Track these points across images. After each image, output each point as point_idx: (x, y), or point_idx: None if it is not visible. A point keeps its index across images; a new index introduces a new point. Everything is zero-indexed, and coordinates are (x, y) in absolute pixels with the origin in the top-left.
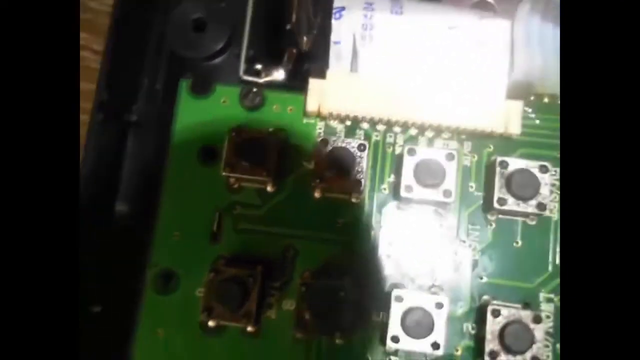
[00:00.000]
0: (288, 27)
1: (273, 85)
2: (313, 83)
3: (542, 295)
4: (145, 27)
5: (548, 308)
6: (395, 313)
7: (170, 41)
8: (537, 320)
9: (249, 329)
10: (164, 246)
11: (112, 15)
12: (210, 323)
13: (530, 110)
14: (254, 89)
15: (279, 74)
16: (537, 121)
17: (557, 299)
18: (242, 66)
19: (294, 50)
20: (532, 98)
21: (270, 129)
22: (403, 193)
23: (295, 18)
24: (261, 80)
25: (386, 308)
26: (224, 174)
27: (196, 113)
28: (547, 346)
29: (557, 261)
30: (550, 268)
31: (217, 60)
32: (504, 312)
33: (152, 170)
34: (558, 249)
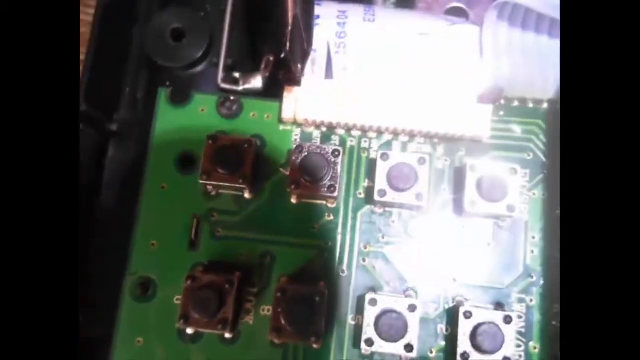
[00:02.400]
0: (282, 56)
1: (251, 93)
2: (288, 91)
3: (514, 296)
4: (126, 36)
5: (520, 308)
6: (369, 316)
7: (149, 51)
8: (508, 320)
9: (227, 335)
10: (142, 254)
11: (93, 25)
12: (188, 330)
13: (502, 113)
14: (232, 97)
15: (256, 82)
16: (507, 125)
17: (528, 298)
18: (221, 74)
19: (271, 58)
20: (502, 102)
21: (247, 136)
22: (376, 197)
23: (290, 47)
24: (239, 88)
25: (361, 311)
26: (200, 182)
27: (174, 121)
28: (519, 346)
29: (528, 261)
30: (521, 268)
31: (196, 69)
32: (476, 313)
33: (132, 179)
34: (529, 250)
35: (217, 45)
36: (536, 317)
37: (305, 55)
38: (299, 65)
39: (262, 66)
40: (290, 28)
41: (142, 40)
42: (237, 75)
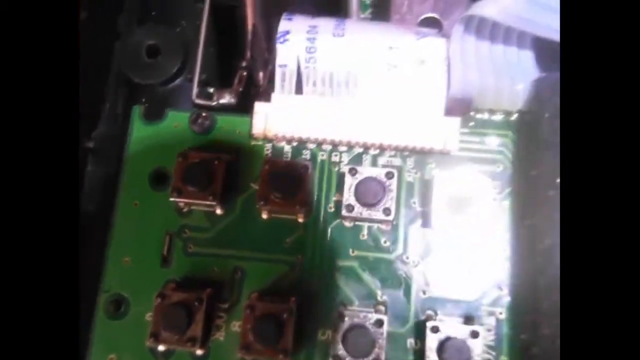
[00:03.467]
0: (243, 64)
1: (225, 108)
2: (258, 106)
3: (484, 309)
4: (106, 53)
5: (489, 321)
6: (338, 332)
7: (125, 68)
8: (475, 335)
9: (197, 352)
10: (115, 271)
11: None
12: (160, 347)
13: (471, 125)
14: (204, 114)
15: (230, 97)
16: (477, 137)
17: (498, 311)
18: (195, 90)
19: (245, 74)
20: (471, 114)
21: (217, 153)
22: (344, 212)
23: (250, 56)
24: (213, 103)
25: (331, 326)
26: (171, 199)
27: (148, 138)
28: None
29: (498, 274)
30: (491, 281)
31: (172, 85)
32: (443, 327)
33: (108, 196)
34: (498, 262)
35: (192, 60)
36: (505, 330)
37: (267, 63)
38: (261, 74)
39: (236, 81)
40: (250, 37)
41: (119, 54)
42: (211, 90)
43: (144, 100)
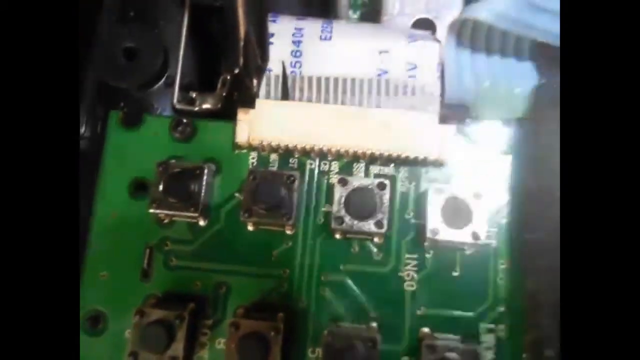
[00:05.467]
0: (236, 71)
1: (207, 114)
2: (241, 113)
3: (482, 326)
4: (85, 55)
5: (488, 339)
6: (327, 351)
7: (101, 71)
8: (474, 355)
9: None
10: (92, 285)
11: None
12: None
13: (467, 133)
14: (184, 120)
15: (213, 102)
16: (472, 144)
17: (498, 328)
18: (176, 94)
19: (228, 77)
20: (468, 121)
21: (199, 162)
22: (334, 225)
23: (243, 63)
24: (196, 109)
25: (321, 344)
26: (150, 211)
27: (126, 146)
28: None
29: (498, 291)
30: (490, 298)
31: (151, 89)
32: (440, 346)
33: (85, 205)
34: (498, 278)
35: (173, 63)
36: (506, 347)
37: (260, 71)
38: (254, 81)
39: (219, 85)
40: (242, 44)
41: (95, 57)
42: (193, 95)
43: (122, 105)
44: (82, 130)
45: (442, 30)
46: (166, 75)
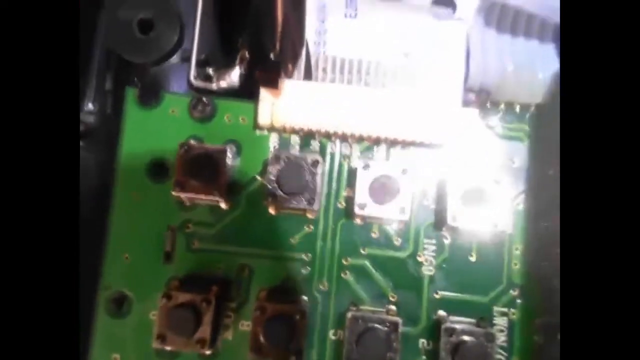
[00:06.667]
0: (272, 56)
1: (225, 92)
2: (264, 94)
3: (496, 309)
4: (90, 24)
5: (502, 322)
6: (350, 334)
7: (114, 44)
8: (490, 338)
9: (206, 352)
10: (115, 267)
11: None
12: (166, 348)
13: (487, 118)
14: (204, 99)
15: (232, 79)
16: (494, 130)
17: (510, 312)
18: (193, 71)
19: (247, 53)
20: (488, 106)
21: (222, 145)
22: (357, 210)
23: (279, 48)
24: (213, 86)
25: (342, 326)
26: (174, 193)
27: (144, 125)
28: None
29: (512, 275)
30: (504, 282)
31: (166, 64)
32: (458, 329)
33: (103, 185)
34: (513, 263)
35: (189, 37)
36: (518, 331)
37: (296, 56)
38: (290, 67)
39: (238, 61)
40: (280, 29)
41: (107, 29)
42: (210, 71)
43: (135, 80)
44: (90, 105)
45: (462, 9)
46: (182, 49)
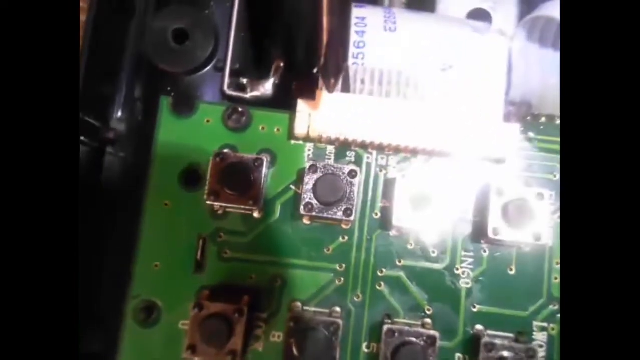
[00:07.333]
0: (315, 71)
1: (259, 102)
2: (302, 105)
3: (536, 324)
4: (122, 32)
5: (541, 337)
6: (386, 347)
7: (150, 54)
8: (532, 354)
9: None
10: (145, 276)
11: (85, 26)
12: (196, 359)
13: (528, 131)
14: (240, 109)
15: (265, 90)
16: (535, 143)
17: (550, 327)
18: (227, 80)
19: (282, 64)
20: (528, 119)
21: (256, 154)
22: (395, 222)
23: (324, 62)
24: (247, 96)
25: (377, 339)
26: (208, 202)
27: (178, 133)
28: None
29: (552, 289)
30: (544, 296)
31: (200, 74)
32: (498, 344)
33: (132, 193)
34: (553, 277)
35: (223, 47)
36: (557, 346)
37: (339, 71)
38: (332, 81)
39: (272, 72)
40: (325, 43)
41: (139, 37)
42: (244, 81)
43: (169, 89)
44: (120, 113)
45: (497, 21)
46: (216, 59)
